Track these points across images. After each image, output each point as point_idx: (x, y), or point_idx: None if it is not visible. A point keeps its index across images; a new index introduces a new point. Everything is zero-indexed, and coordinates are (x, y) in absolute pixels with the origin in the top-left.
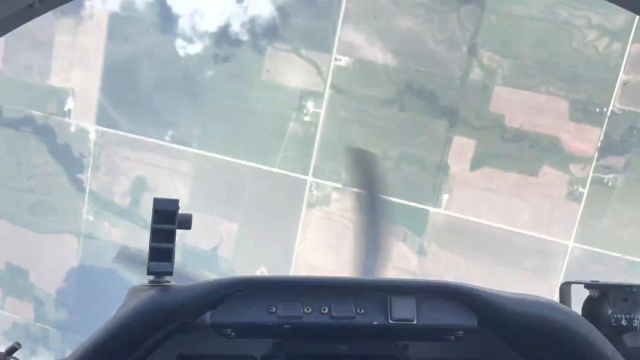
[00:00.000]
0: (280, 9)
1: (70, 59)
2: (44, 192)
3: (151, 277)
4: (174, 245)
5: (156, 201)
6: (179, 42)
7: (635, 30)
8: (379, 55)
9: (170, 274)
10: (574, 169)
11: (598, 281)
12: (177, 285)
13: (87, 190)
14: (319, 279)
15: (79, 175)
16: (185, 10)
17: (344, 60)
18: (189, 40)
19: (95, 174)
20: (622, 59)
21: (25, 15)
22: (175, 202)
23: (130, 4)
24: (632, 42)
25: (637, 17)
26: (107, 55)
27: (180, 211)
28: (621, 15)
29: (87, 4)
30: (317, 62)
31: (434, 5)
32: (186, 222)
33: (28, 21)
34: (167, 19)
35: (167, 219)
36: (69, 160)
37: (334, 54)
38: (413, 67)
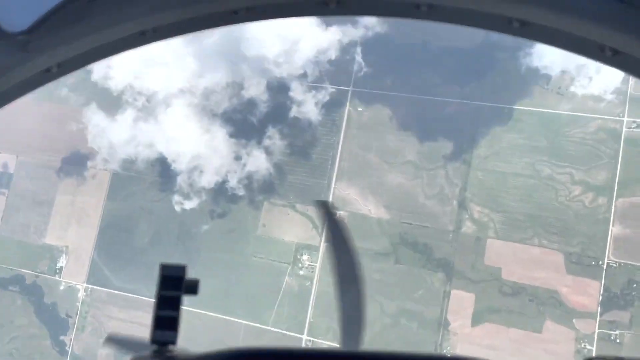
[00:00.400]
0: (277, 166)
1: (68, 218)
2: (24, 357)
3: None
4: (180, 314)
5: (163, 267)
6: (176, 198)
7: (617, 186)
8: (372, 209)
9: (175, 343)
10: (579, 324)
11: (623, 358)
12: (180, 355)
13: (69, 353)
14: (326, 351)
15: (62, 337)
16: (184, 168)
17: (338, 215)
18: (186, 197)
19: (80, 335)
20: (610, 213)
21: (42, 79)
22: (182, 269)
23: (131, 164)
24: (617, 196)
25: (618, 173)
26: (105, 214)
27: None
28: (602, 172)
29: (89, 163)
30: (312, 216)
31: (422, 163)
32: (193, 287)
33: (44, 85)
34: (166, 177)
35: (174, 286)
36: (54, 320)
37: None
38: (406, 220)
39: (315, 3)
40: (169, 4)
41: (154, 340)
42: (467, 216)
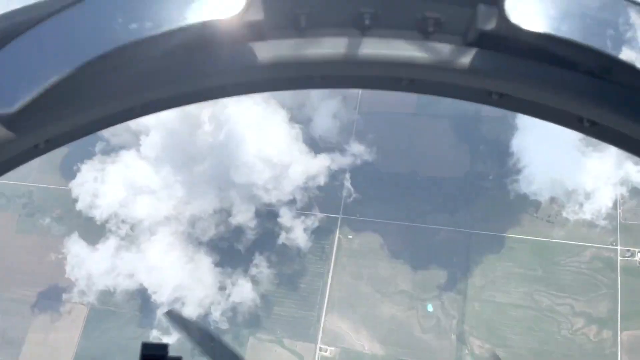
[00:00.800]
0: (264, 297)
1: (38, 358)
2: None
3: None
4: None
5: (144, 346)
6: (154, 333)
7: (620, 318)
8: (365, 344)
9: None
10: None
11: None
12: None
13: None
14: None
15: None
16: (165, 300)
17: (330, 351)
18: (165, 331)
19: None
20: (617, 347)
21: (30, 155)
22: (164, 347)
23: (110, 296)
24: (621, 329)
25: (619, 304)
26: (78, 353)
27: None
28: (603, 302)
29: (65, 296)
30: (301, 353)
31: (416, 293)
32: None
33: (31, 160)
34: (146, 310)
35: None
36: None
37: (319, 344)
38: (403, 357)
39: (302, 77)
40: (157, 80)
41: None
42: (467, 351)
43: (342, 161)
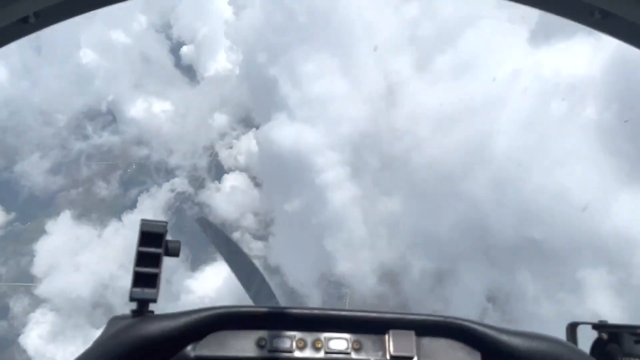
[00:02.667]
0: None
1: None
2: None
3: (133, 307)
4: (160, 271)
5: (143, 223)
6: None
7: None
8: None
9: (155, 301)
10: None
11: (607, 321)
12: (159, 314)
13: None
14: (313, 310)
15: None
16: None
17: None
18: None
19: None
20: None
21: (18, 31)
22: (163, 225)
23: None
24: None
25: None
26: None
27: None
28: None
29: None
30: None
31: None
32: (174, 249)
33: (21, 37)
34: None
35: (154, 243)
36: None
37: None
38: None
39: None
40: None
41: (133, 297)
42: None
43: None
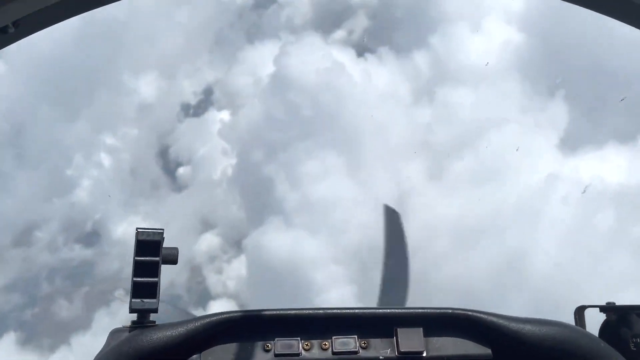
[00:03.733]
0: None
1: None
2: None
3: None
4: (159, 280)
5: (139, 232)
6: None
7: None
8: None
9: (155, 311)
10: None
11: (614, 303)
12: (161, 324)
13: None
14: (317, 311)
15: None
16: None
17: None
18: None
19: None
20: None
21: None
22: (159, 233)
23: None
24: None
25: None
26: None
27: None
28: None
29: None
30: None
31: None
32: (172, 257)
33: (1, 48)
34: None
35: (151, 251)
36: None
37: None
38: None
39: None
40: None
41: (133, 309)
42: None
43: None
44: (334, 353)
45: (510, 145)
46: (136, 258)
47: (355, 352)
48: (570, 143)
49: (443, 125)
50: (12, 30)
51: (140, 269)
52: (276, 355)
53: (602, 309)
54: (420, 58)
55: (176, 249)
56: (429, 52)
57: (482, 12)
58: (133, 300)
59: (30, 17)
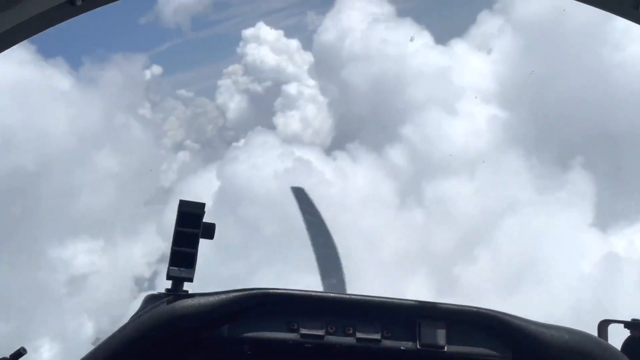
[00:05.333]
0: None
1: None
2: None
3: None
4: (197, 251)
5: (182, 203)
6: None
7: None
8: None
9: (191, 280)
10: None
11: (639, 320)
12: (194, 293)
13: None
14: (344, 296)
15: None
16: None
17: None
18: None
19: None
20: None
21: (65, 13)
22: (201, 206)
23: None
24: None
25: None
26: None
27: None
28: None
29: None
30: None
31: None
32: (209, 231)
33: (68, 19)
34: None
35: (192, 223)
36: None
37: None
38: None
39: None
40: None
41: (170, 276)
42: None
43: None
44: (357, 339)
45: (531, 230)
46: (177, 228)
47: (378, 341)
48: (604, 216)
49: (441, 224)
50: (79, 2)
51: (180, 239)
52: (301, 335)
53: (627, 324)
54: (396, 153)
55: (214, 224)
56: (405, 145)
57: (453, 96)
58: (171, 267)
59: None
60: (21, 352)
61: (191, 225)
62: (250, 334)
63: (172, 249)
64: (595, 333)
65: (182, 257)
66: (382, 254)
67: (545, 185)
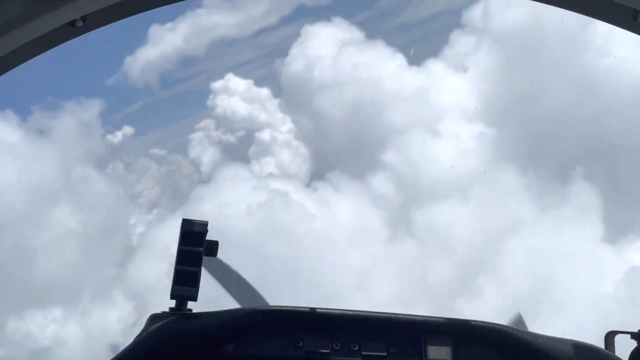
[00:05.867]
0: None
1: None
2: None
3: (172, 305)
4: (200, 270)
5: (185, 222)
6: None
7: None
8: None
9: (195, 299)
10: None
11: None
12: (198, 312)
13: None
14: (349, 312)
15: None
16: None
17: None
18: None
19: None
20: None
21: (65, 34)
22: (204, 225)
23: None
24: None
25: None
26: None
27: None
28: None
29: None
30: None
31: None
32: (212, 249)
33: (68, 40)
34: None
35: (195, 242)
36: None
37: None
38: None
39: None
40: None
41: (174, 295)
42: None
43: None
44: (362, 356)
45: (539, 252)
46: (181, 247)
47: (384, 357)
48: (614, 230)
49: (437, 253)
50: (80, 24)
51: (183, 257)
52: (306, 352)
53: (634, 335)
54: (380, 180)
55: (217, 242)
56: (389, 171)
57: (434, 117)
58: (175, 287)
59: (97, 12)
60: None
61: (194, 244)
62: (255, 352)
63: (175, 267)
64: (602, 345)
65: (186, 276)
66: (375, 291)
67: (547, 201)
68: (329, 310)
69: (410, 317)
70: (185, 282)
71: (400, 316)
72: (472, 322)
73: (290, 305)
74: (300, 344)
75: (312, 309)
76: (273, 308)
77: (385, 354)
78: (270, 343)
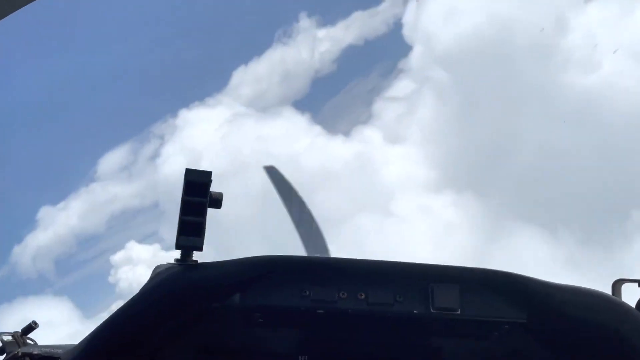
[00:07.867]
0: None
1: None
2: None
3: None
4: (205, 220)
5: (188, 172)
6: None
7: None
8: None
9: (200, 249)
10: None
11: None
12: (204, 262)
13: None
14: (355, 261)
15: None
16: None
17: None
18: None
19: None
20: None
21: None
22: (208, 174)
23: None
24: None
25: None
26: None
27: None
28: None
29: None
30: None
31: None
32: (217, 201)
33: None
34: None
35: (199, 192)
36: None
37: None
38: None
39: None
40: None
41: (179, 245)
42: None
43: None
44: (369, 304)
45: None
46: (185, 197)
47: (390, 305)
48: None
49: None
50: None
51: (188, 208)
52: (313, 301)
53: None
54: None
55: (221, 193)
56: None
57: (385, 195)
58: (180, 237)
59: None
60: (32, 325)
61: (198, 194)
62: (261, 302)
63: (180, 218)
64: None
65: (191, 226)
66: None
67: (567, 267)
68: (335, 259)
69: (417, 264)
70: (190, 232)
71: (407, 264)
72: (480, 269)
73: (297, 255)
74: (307, 292)
75: (318, 258)
76: (279, 257)
77: (391, 301)
78: (276, 292)
